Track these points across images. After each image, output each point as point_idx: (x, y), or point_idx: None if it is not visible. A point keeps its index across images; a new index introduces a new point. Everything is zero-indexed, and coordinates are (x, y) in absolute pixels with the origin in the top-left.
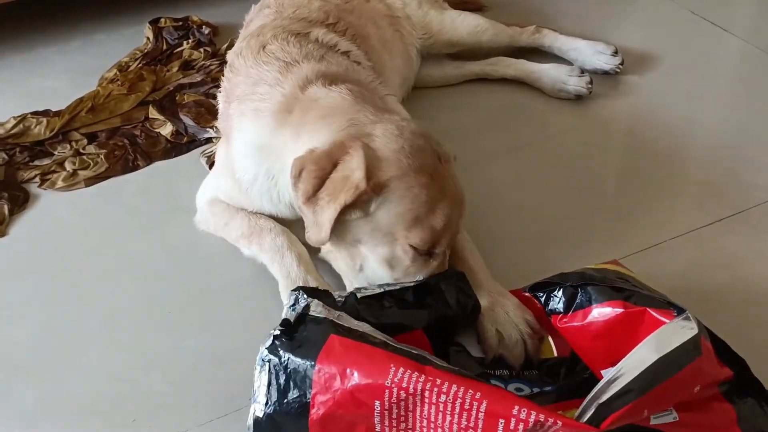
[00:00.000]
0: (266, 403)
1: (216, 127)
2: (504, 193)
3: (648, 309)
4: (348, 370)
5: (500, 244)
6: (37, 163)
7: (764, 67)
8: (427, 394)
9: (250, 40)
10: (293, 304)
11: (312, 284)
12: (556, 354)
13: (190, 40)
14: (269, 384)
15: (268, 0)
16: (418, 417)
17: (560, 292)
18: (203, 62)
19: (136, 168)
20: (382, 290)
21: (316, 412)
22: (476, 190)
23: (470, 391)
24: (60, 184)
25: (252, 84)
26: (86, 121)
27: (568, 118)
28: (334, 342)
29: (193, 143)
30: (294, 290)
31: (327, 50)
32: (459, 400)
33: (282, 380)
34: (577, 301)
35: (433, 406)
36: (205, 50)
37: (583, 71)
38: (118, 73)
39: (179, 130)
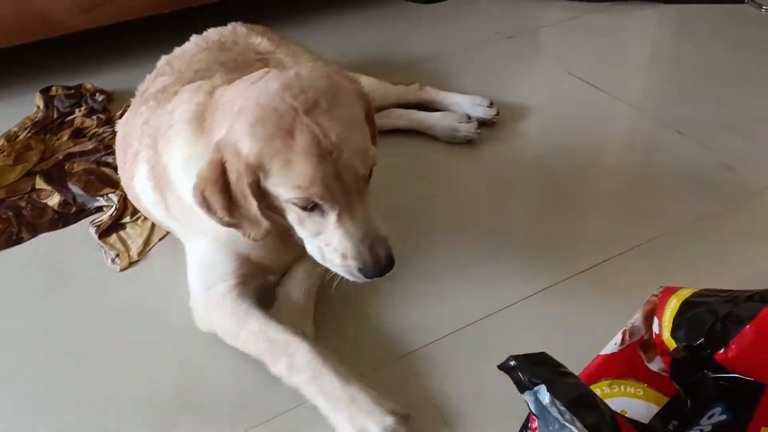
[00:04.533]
0: None
1: (107, 196)
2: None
3: None
4: None
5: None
6: None
7: (627, 117)
8: None
9: (157, 96)
10: None
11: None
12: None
13: (82, 108)
14: None
15: (162, 68)
16: None
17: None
18: (95, 129)
19: (20, 241)
20: None
21: None
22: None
23: None
24: None
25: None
26: None
27: (462, 163)
28: None
29: (83, 212)
30: None
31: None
32: None
33: None
34: (727, 331)
35: None
36: (98, 117)
37: (469, 118)
38: (5, 143)
39: (67, 200)
